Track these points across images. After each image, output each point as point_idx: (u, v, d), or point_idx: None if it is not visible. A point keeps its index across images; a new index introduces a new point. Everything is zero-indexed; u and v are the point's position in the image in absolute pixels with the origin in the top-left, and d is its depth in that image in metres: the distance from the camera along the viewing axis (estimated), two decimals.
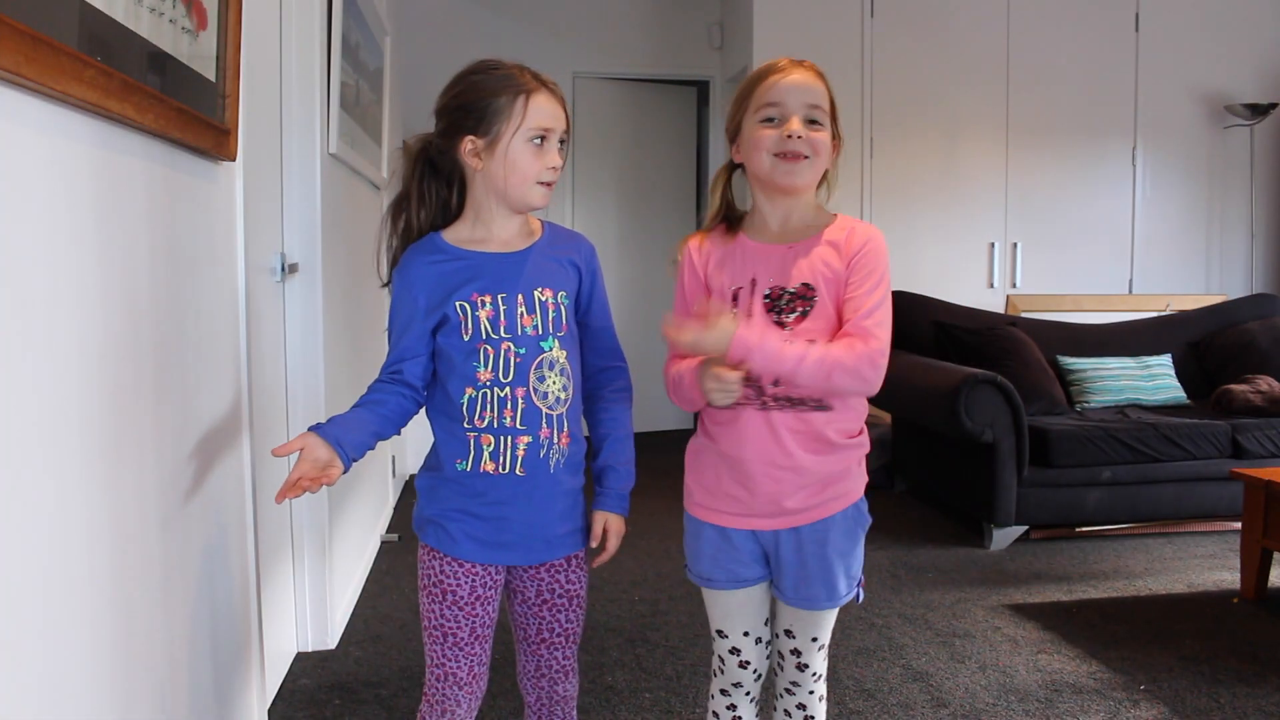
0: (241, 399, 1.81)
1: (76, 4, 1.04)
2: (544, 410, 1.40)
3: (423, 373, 1.43)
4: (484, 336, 1.38)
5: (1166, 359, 4.20)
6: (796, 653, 1.55)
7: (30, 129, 0.99)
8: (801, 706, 1.58)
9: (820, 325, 1.40)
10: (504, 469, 1.40)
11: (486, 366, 1.39)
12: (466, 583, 1.44)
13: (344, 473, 1.34)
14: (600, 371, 1.53)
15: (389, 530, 3.57)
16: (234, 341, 1.77)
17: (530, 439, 1.39)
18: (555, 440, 1.41)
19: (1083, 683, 2.36)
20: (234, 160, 1.69)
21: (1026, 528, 3.49)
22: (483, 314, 1.38)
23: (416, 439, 4.33)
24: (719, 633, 1.58)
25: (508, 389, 1.38)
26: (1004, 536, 3.46)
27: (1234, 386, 3.90)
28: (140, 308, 1.28)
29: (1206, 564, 3.28)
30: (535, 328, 1.40)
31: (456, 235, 1.44)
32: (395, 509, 3.90)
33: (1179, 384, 4.11)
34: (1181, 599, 2.95)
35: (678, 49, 5.51)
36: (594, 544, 1.51)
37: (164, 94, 1.30)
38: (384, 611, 2.81)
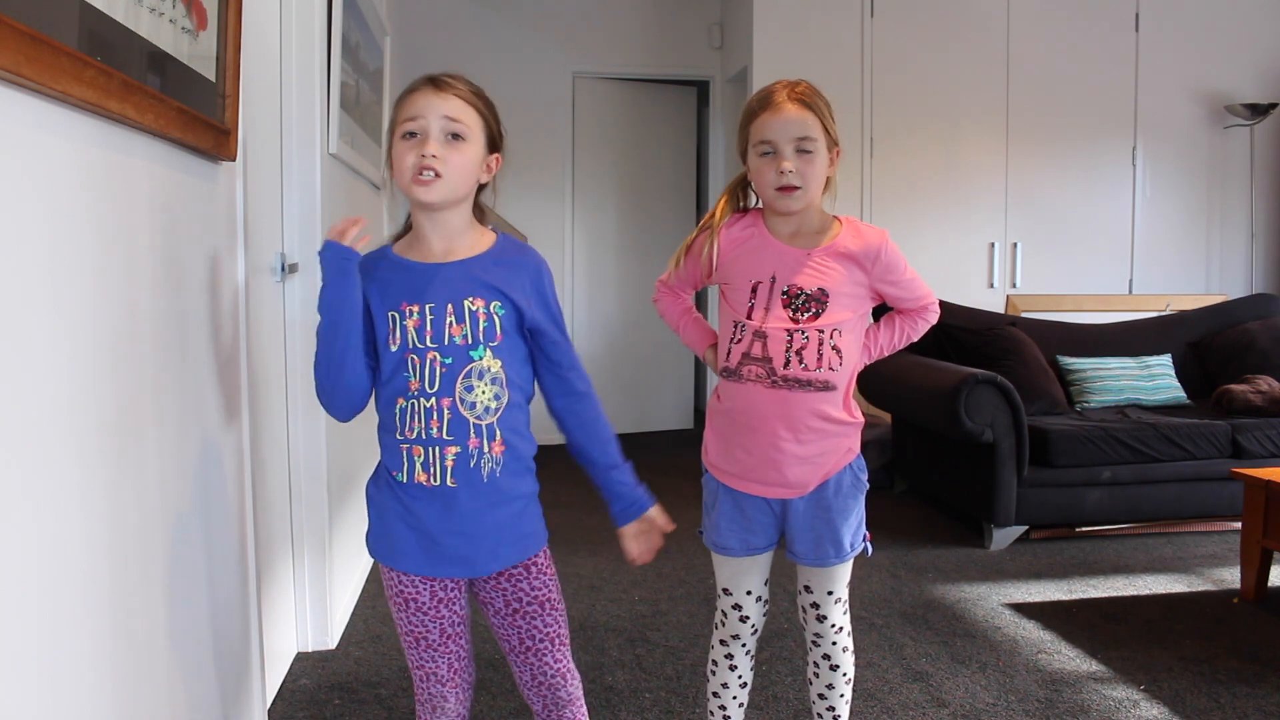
0: (241, 399, 1.81)
1: (76, 4, 1.04)
2: (471, 420, 1.38)
3: (365, 370, 1.42)
4: (410, 346, 1.38)
5: (1166, 359, 4.20)
6: (815, 605, 1.75)
7: (30, 129, 0.99)
8: (827, 657, 1.78)
9: (829, 322, 1.62)
10: (435, 480, 1.39)
11: (415, 376, 1.38)
12: (425, 589, 1.45)
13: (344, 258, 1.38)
14: (554, 384, 1.49)
15: None
16: (234, 341, 1.77)
17: (459, 449, 1.38)
18: (486, 449, 1.39)
19: (1083, 683, 2.36)
20: (234, 160, 1.69)
21: (1026, 528, 3.49)
22: (410, 323, 1.38)
23: None
24: (724, 590, 1.78)
25: (433, 399, 1.37)
26: (1004, 536, 3.46)
27: (1234, 386, 3.90)
28: (140, 307, 1.28)
29: (1206, 564, 3.28)
30: (465, 337, 1.38)
31: (401, 247, 1.45)
32: None
33: (1179, 384, 4.11)
34: (1181, 599, 2.95)
35: (678, 49, 5.51)
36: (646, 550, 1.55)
37: (164, 94, 1.30)
38: (384, 611, 2.81)
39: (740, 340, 1.64)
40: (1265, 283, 5.20)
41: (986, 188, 4.93)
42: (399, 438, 1.40)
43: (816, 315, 1.61)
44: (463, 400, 1.37)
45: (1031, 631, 2.68)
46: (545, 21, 5.34)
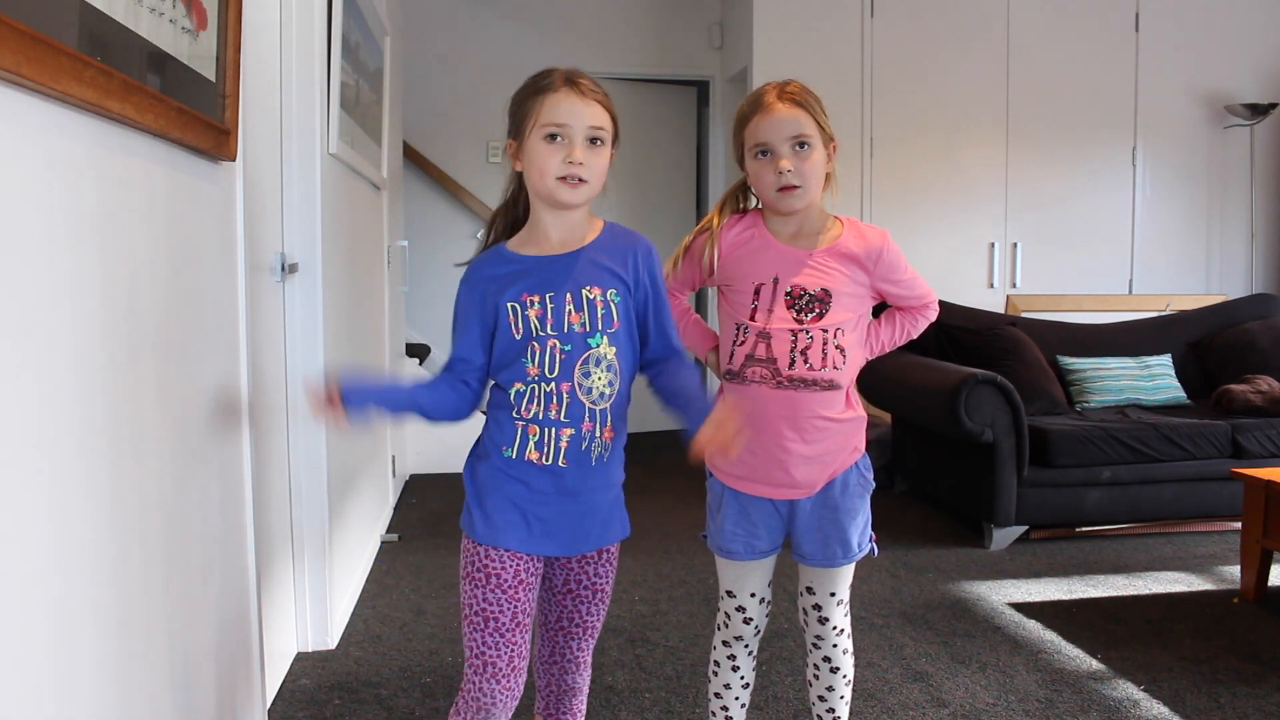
0: (241, 399, 1.81)
1: (76, 4, 1.04)
2: (587, 405, 1.44)
3: (478, 373, 1.49)
4: (533, 334, 1.43)
5: (1166, 359, 4.20)
6: (818, 608, 1.74)
7: (30, 129, 0.99)
8: (827, 659, 1.77)
9: (832, 322, 1.61)
10: (547, 460, 1.44)
11: (534, 362, 1.43)
12: (510, 566, 1.46)
13: (347, 415, 1.44)
14: (662, 360, 1.54)
15: (389, 530, 3.57)
16: (234, 341, 1.77)
17: (573, 431, 1.43)
18: (598, 434, 1.45)
19: (1083, 683, 2.36)
20: (234, 160, 1.69)
21: (1026, 528, 3.49)
22: (531, 313, 1.43)
23: (417, 438, 4.34)
24: (728, 593, 1.77)
25: (553, 384, 1.42)
26: (1004, 536, 3.46)
27: (1234, 386, 3.90)
28: (140, 308, 1.28)
29: (1206, 564, 3.28)
30: (583, 325, 1.43)
31: (517, 242, 1.50)
32: (395, 509, 3.90)
33: (1179, 384, 4.11)
34: (1181, 599, 2.95)
35: (678, 49, 5.51)
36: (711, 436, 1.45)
37: (164, 94, 1.30)
38: (384, 611, 2.81)
39: (743, 342, 1.63)
40: (1265, 283, 5.20)
41: (986, 188, 4.93)
42: (515, 416, 1.44)
43: (820, 315, 1.61)
44: (580, 385, 1.43)
45: (1032, 631, 2.68)
46: (545, 21, 5.33)
